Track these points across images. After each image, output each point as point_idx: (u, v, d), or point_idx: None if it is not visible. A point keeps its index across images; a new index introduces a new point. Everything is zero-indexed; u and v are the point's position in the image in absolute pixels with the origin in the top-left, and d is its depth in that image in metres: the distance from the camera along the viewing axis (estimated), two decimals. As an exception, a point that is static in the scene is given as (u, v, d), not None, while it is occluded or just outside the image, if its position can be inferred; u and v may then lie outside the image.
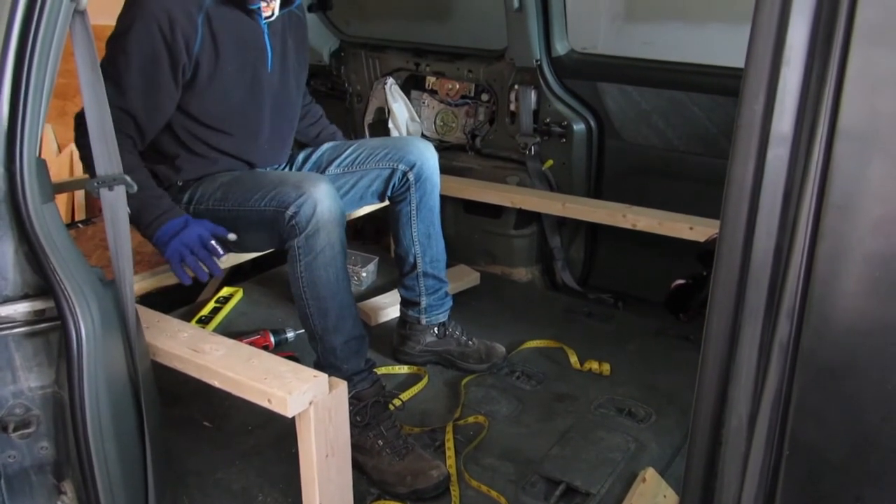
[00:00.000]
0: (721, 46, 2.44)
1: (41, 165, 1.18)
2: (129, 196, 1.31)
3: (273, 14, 1.80)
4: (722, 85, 2.22)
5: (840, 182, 0.72)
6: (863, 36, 0.68)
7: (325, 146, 2.04)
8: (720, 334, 0.84)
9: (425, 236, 1.99)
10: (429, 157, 1.94)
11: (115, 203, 1.28)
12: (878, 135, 0.70)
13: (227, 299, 2.46)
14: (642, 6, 2.63)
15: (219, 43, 1.70)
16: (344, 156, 1.98)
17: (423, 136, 2.84)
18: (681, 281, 1.49)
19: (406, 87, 2.86)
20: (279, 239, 1.69)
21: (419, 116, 2.85)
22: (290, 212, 1.60)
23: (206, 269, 1.72)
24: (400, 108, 2.82)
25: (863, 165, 0.72)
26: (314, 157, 2.04)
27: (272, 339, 2.20)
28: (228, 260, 2.05)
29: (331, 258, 1.64)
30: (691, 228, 2.12)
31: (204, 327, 2.27)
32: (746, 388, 0.81)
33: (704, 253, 1.38)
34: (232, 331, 2.26)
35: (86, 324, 1.12)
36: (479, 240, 2.71)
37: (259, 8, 1.75)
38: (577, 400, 1.95)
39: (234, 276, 2.67)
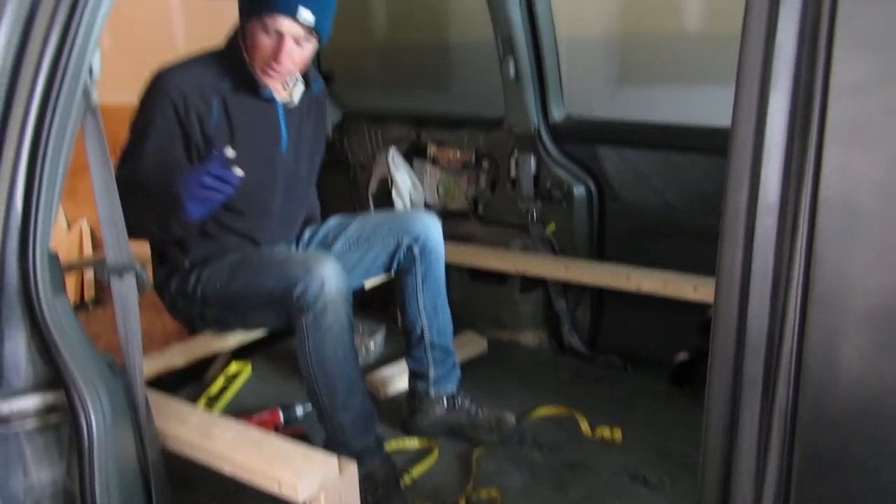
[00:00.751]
0: (714, 107, 2.51)
1: (53, 258, 1.20)
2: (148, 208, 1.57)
3: (291, 99, 1.86)
4: (718, 145, 2.24)
5: (824, 271, 0.74)
6: (834, 137, 0.71)
7: (331, 222, 2.07)
8: (719, 420, 0.84)
9: (431, 307, 2.00)
10: (433, 230, 1.97)
11: (126, 291, 1.30)
12: (858, 231, 0.73)
13: (235, 376, 2.45)
14: (634, 70, 2.71)
15: (234, 126, 1.76)
16: (349, 231, 2.01)
17: (426, 204, 2.88)
18: (684, 355, 1.49)
19: (408, 156, 2.92)
20: (287, 317, 1.71)
21: (422, 184, 2.89)
22: (297, 290, 1.62)
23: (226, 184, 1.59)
24: (402, 177, 2.86)
25: (844, 259, 0.74)
26: (320, 233, 2.07)
27: (281, 416, 2.18)
28: (237, 338, 2.06)
29: (338, 336, 1.65)
30: (695, 289, 2.12)
31: (213, 407, 2.26)
32: (748, 478, 0.81)
33: (704, 326, 1.38)
34: (241, 408, 2.25)
35: (96, 416, 1.13)
36: (484, 305, 2.72)
37: (272, 95, 1.81)
38: (590, 469, 1.92)
39: (242, 350, 2.66)
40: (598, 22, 2.68)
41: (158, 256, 1.91)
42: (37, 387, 1.17)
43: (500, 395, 2.29)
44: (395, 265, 2.00)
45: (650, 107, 2.53)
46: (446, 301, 2.04)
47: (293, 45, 1.69)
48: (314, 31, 1.70)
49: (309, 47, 1.74)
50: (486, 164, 2.75)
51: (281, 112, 1.86)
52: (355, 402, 1.70)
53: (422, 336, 2.01)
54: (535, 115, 2.51)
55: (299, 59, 1.74)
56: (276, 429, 2.13)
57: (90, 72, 1.22)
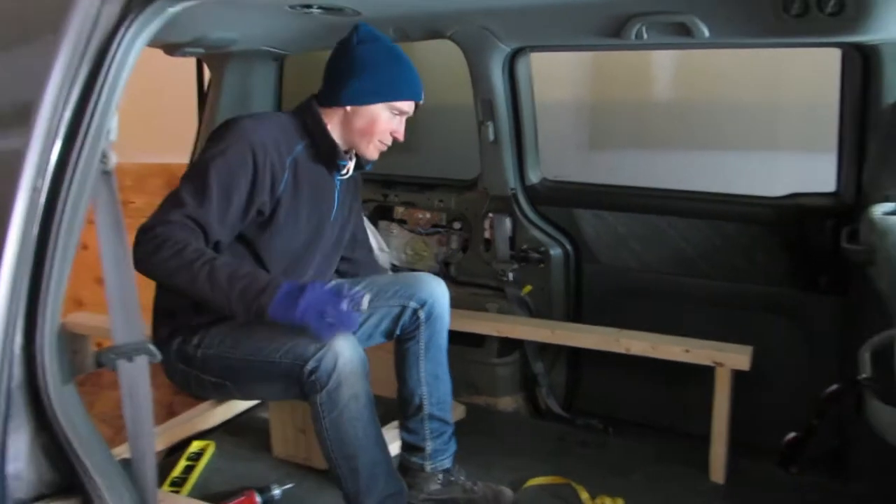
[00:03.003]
0: (684, 172, 2.60)
1: (62, 342, 1.05)
2: (219, 287, 1.46)
3: (348, 173, 1.86)
4: (695, 209, 2.32)
5: None
6: None
7: (332, 286, 1.97)
8: None
9: (433, 376, 1.91)
10: (440, 295, 1.90)
11: (136, 375, 1.16)
12: None
13: (198, 455, 2.24)
14: (603, 136, 2.77)
15: (300, 189, 1.72)
16: None
17: (393, 265, 2.81)
18: (793, 434, 1.47)
19: (374, 218, 2.84)
20: (296, 391, 1.60)
21: (388, 246, 2.81)
22: (309, 366, 1.53)
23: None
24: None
25: None
26: None
27: (258, 499, 1.99)
28: (218, 413, 1.90)
29: (356, 412, 1.56)
30: (687, 351, 2.13)
31: (178, 491, 2.05)
32: None
33: (819, 402, 1.37)
34: (211, 492, 2.05)
35: (123, 527, 0.97)
36: (461, 370, 2.62)
37: (345, 165, 1.81)
38: (598, 542, 1.85)
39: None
40: (570, 88, 2.75)
41: (163, 312, 1.75)
42: (40, 495, 1.00)
43: (485, 466, 2.20)
44: (399, 331, 1.90)
45: (623, 171, 2.59)
46: (448, 370, 1.96)
47: None
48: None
49: None
50: (457, 225, 2.71)
51: (338, 184, 1.86)
52: (380, 484, 1.62)
53: (420, 406, 1.91)
54: (513, 177, 2.51)
55: None
56: (255, 514, 1.95)
57: (108, 134, 1.11)
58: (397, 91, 1.73)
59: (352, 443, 1.57)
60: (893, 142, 1.62)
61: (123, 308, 1.15)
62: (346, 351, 1.54)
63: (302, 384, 1.55)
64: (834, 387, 1.36)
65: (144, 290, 1.24)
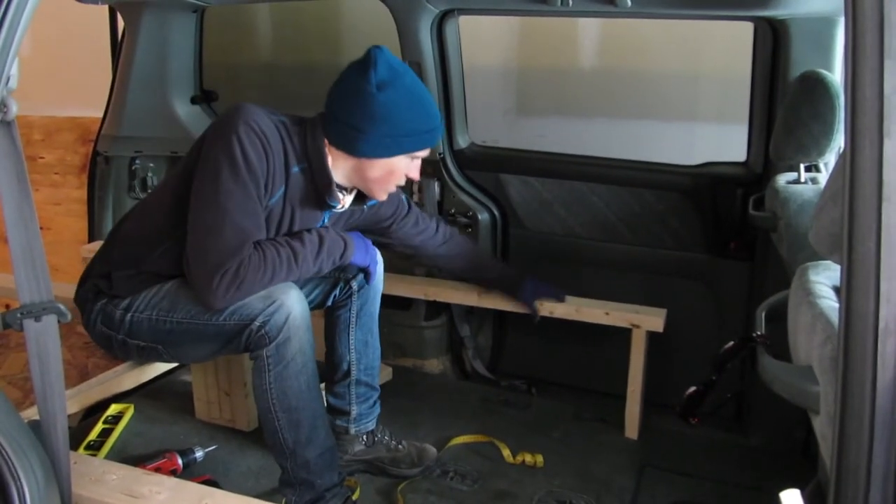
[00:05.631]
0: (608, 140, 2.66)
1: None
2: (308, 265, 1.59)
3: (343, 208, 1.73)
4: (616, 176, 2.38)
5: None
6: None
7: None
8: None
9: (362, 343, 1.92)
10: (376, 264, 1.89)
11: (44, 335, 1.12)
12: None
13: (116, 419, 2.20)
14: (530, 102, 2.80)
15: (285, 208, 1.61)
16: None
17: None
18: (693, 388, 1.54)
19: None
20: (233, 348, 1.60)
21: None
22: (258, 322, 1.53)
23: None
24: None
25: None
26: None
27: (180, 461, 1.98)
28: (135, 376, 1.85)
29: (302, 365, 1.57)
30: (607, 314, 2.21)
31: (95, 454, 2.01)
32: None
33: (717, 358, 1.44)
34: (130, 455, 2.02)
35: (30, 488, 0.95)
36: (388, 333, 2.64)
37: (337, 204, 1.68)
38: (516, 497, 1.92)
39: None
40: (498, 54, 2.75)
41: (97, 274, 1.69)
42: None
43: (412, 425, 2.24)
44: (330, 301, 1.90)
45: (551, 138, 2.63)
46: (378, 337, 1.97)
47: None
48: None
49: None
50: (386, 188, 2.70)
51: (327, 216, 1.74)
52: (320, 436, 1.64)
53: (348, 372, 1.92)
54: (441, 141, 2.51)
55: None
56: (176, 476, 1.93)
57: (7, 81, 1.05)
58: (419, 141, 1.59)
59: (296, 395, 1.58)
60: (796, 114, 1.70)
61: (31, 265, 1.11)
62: (297, 306, 1.55)
63: (247, 340, 1.55)
64: (731, 343, 1.44)
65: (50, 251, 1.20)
